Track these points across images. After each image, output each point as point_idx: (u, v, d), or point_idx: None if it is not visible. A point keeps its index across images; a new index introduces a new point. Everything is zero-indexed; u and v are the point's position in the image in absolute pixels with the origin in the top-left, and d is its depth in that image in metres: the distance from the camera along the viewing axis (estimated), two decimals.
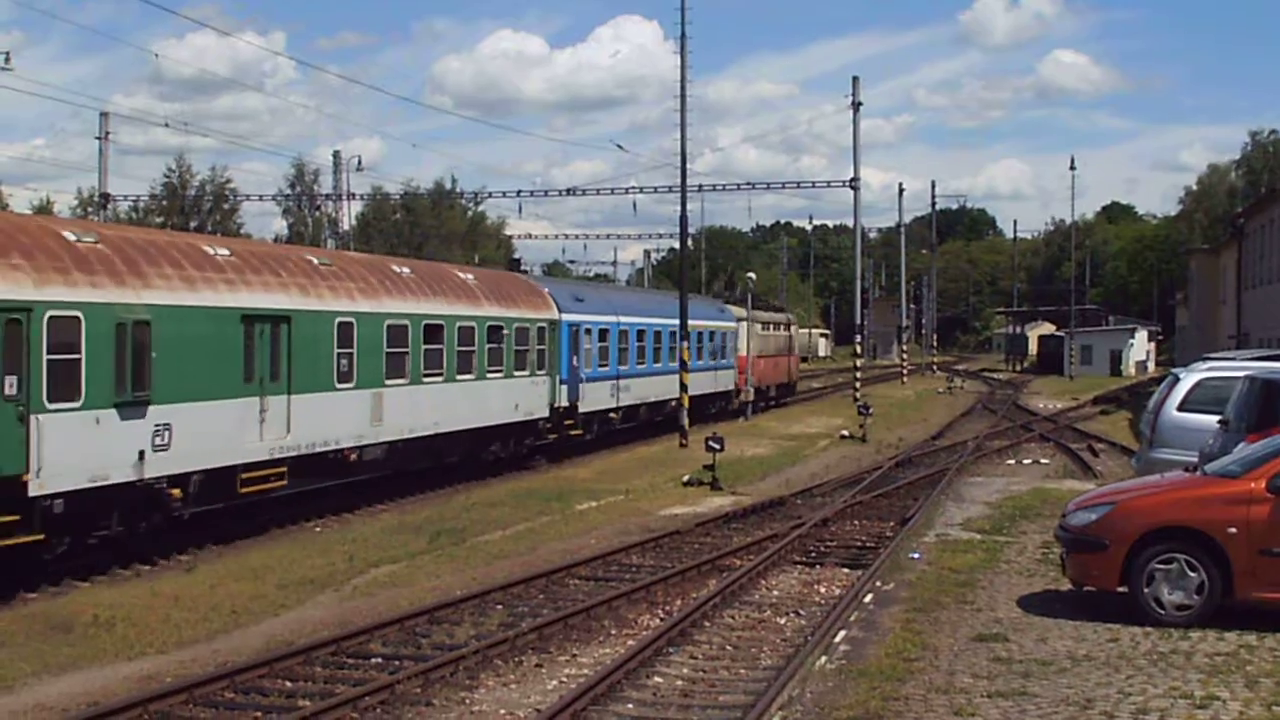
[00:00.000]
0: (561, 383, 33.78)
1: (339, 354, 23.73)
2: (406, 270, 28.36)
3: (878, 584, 16.10)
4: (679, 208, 39.93)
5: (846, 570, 18.47)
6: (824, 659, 12.28)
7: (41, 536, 16.98)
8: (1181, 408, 19.94)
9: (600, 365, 37.08)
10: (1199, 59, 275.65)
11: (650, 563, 19.08)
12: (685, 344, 38.83)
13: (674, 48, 39.70)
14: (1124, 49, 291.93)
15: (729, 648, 14.00)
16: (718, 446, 28.37)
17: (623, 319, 39.10)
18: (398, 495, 26.60)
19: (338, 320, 23.76)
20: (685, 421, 37.59)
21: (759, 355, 54.12)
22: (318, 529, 23.00)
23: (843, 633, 13.44)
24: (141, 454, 18.63)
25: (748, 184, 74.67)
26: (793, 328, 63.69)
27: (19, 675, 12.77)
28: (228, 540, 21.23)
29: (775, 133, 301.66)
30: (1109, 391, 67.11)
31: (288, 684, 12.52)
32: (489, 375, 29.72)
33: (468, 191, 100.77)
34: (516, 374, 31.23)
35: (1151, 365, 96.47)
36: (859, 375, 58.82)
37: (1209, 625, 13.07)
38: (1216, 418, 18.32)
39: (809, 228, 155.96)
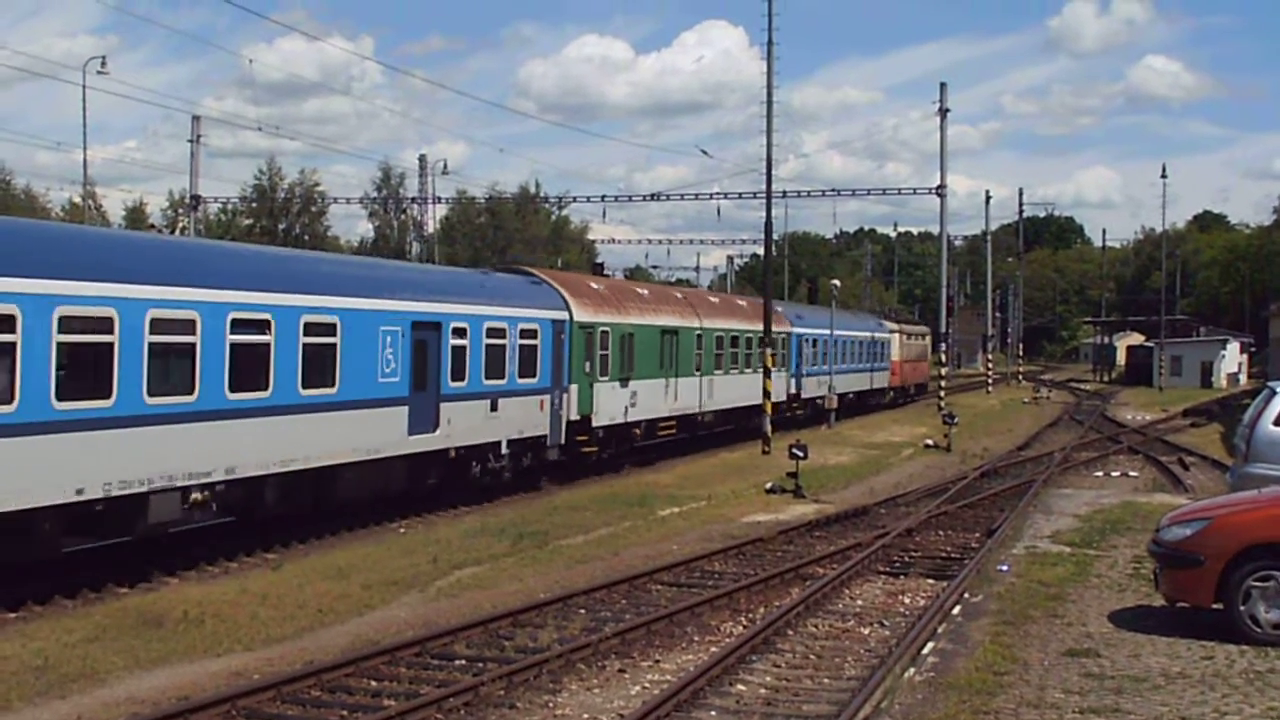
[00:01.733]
0: (791, 376, 47.60)
1: (695, 353, 38.14)
2: (716, 299, 45.17)
3: (965, 595, 15.92)
4: (763, 214, 39.87)
5: (932, 581, 18.27)
6: (911, 670, 12.14)
7: (596, 449, 31.43)
8: (1278, 422, 19.50)
9: (813, 364, 50.56)
10: None
11: (733, 570, 19.01)
12: (769, 351, 38.54)
13: (759, 53, 39.91)
14: (1217, 55, 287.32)
15: (812, 657, 13.88)
16: (801, 454, 28.21)
17: (826, 331, 51.56)
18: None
19: (695, 333, 38.28)
20: (768, 428, 37.37)
21: (904, 360, 68.06)
22: (402, 530, 23.15)
23: (930, 644, 13.29)
24: (626, 409, 33.10)
25: (832, 190, 74.84)
26: (927, 338, 76.50)
27: (111, 669, 12.94)
28: (314, 539, 21.47)
29: (860, 139, 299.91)
30: (1199, 404, 65.92)
31: (373, 683, 12.60)
32: (756, 369, 41.52)
33: (551, 196, 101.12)
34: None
35: (1244, 377, 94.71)
36: (943, 384, 58.29)
37: None
38: None
39: (893, 234, 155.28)
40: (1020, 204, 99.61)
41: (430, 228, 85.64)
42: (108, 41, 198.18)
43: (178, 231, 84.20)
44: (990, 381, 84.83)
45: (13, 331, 15.03)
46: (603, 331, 31.62)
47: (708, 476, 31.39)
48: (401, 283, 24.30)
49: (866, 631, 15.19)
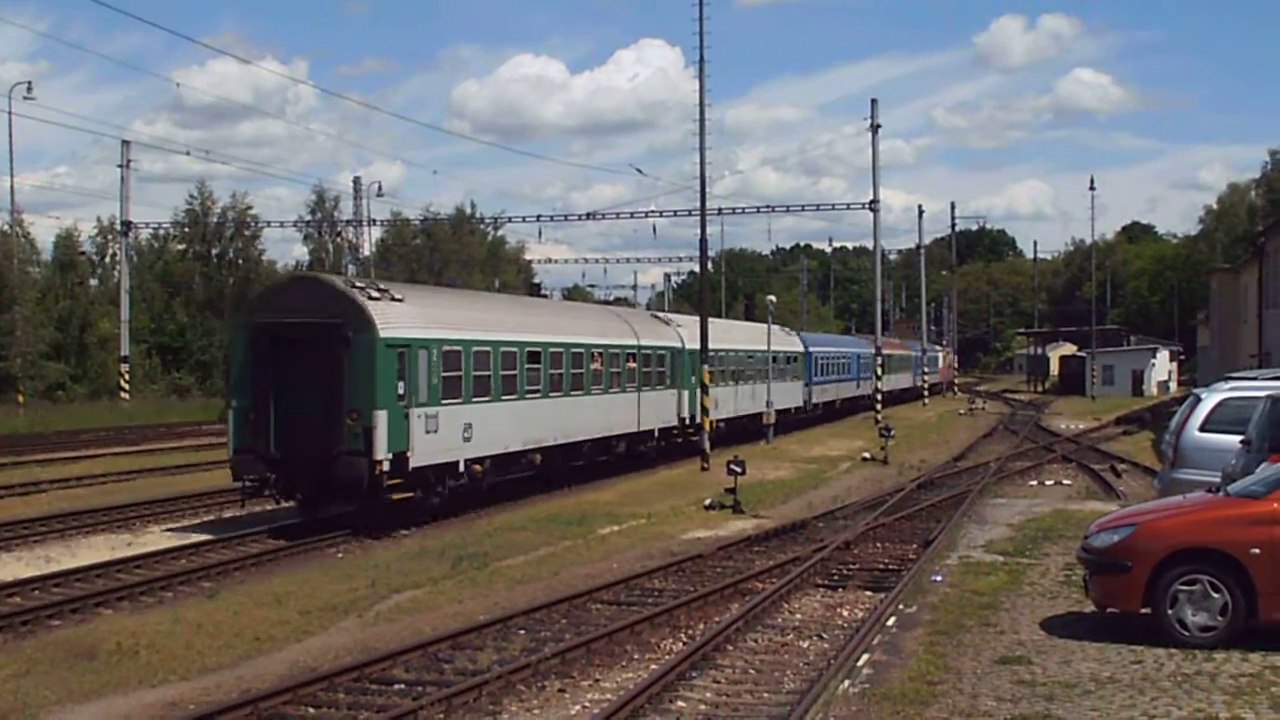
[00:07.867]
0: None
1: (894, 365, 80.00)
2: (895, 340, 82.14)
3: (900, 607, 16.08)
4: (699, 231, 39.96)
5: (869, 593, 18.44)
6: (847, 683, 12.26)
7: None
8: (1203, 428, 19.83)
9: (925, 369, 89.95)
10: (1219, 78, 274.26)
11: (672, 586, 19.07)
12: (707, 367, 38.68)
13: (694, 73, 39.88)
14: (1143, 69, 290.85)
15: (752, 671, 13.97)
16: (739, 470, 28.35)
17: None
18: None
19: (888, 355, 69.58)
20: (707, 445, 37.51)
21: (944, 366, 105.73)
22: (339, 554, 23.03)
23: (865, 656, 13.42)
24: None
25: (767, 207, 75.52)
26: (953, 353, 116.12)
27: (43, 703, 12.78)
28: (251, 565, 21.32)
29: (794, 155, 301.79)
30: (1131, 412, 66.96)
31: (311, 710, 12.55)
32: (909, 372, 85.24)
33: (487, 216, 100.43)
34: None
35: (1173, 385, 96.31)
36: (880, 396, 58.80)
37: (1233, 646, 13.02)
38: (1239, 438, 18.22)
39: (829, 250, 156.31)
40: (953, 218, 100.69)
41: (365, 250, 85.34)
42: (38, 67, 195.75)
43: (107, 258, 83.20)
44: (926, 394, 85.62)
45: None
46: (887, 358, 64.29)
47: (647, 494, 31.44)
48: (836, 340, 67.41)
49: (805, 645, 15.30)
